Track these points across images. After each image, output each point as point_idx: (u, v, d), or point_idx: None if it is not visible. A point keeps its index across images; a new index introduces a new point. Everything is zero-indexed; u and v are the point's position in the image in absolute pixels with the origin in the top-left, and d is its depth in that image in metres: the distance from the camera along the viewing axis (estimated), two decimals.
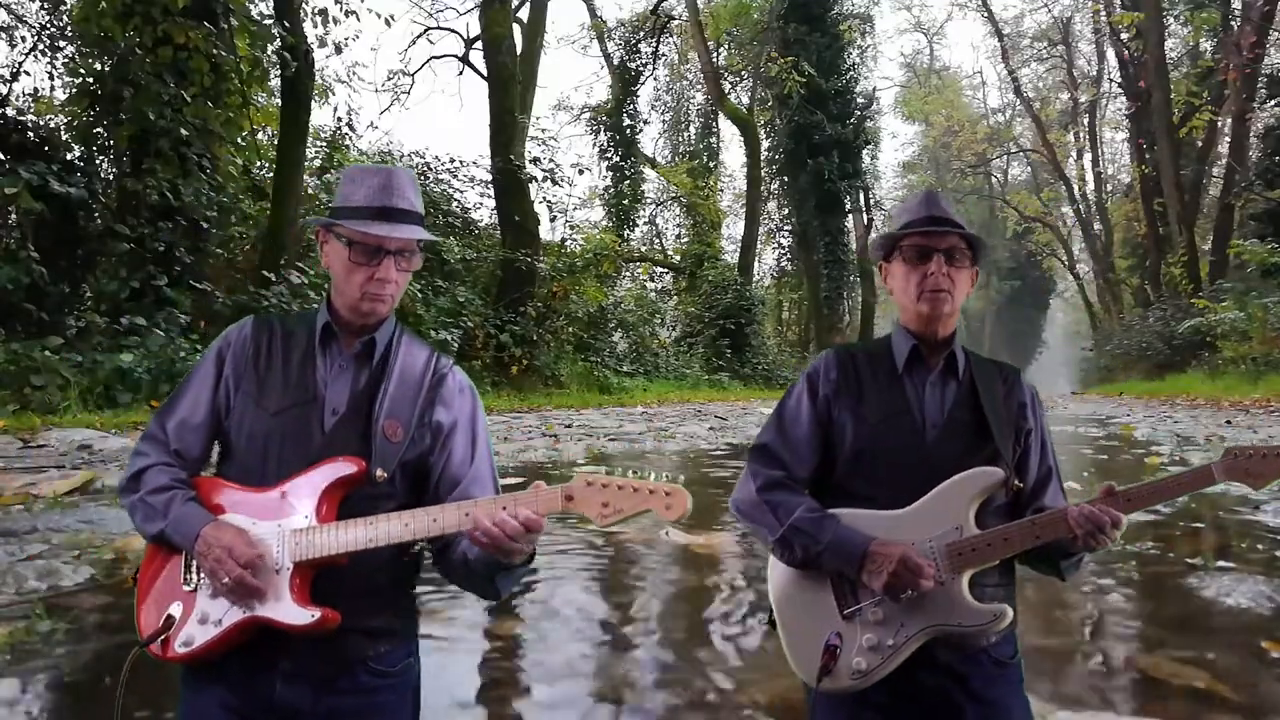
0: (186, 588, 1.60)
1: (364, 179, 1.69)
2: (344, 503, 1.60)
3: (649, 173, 40.39)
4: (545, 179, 25.27)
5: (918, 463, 1.75)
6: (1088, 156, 49.38)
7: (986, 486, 1.71)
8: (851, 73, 38.50)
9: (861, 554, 1.69)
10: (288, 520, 1.57)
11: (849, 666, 1.70)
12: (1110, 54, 42.61)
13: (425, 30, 31.47)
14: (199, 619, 1.57)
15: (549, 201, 26.10)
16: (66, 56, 14.30)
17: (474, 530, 1.52)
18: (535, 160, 24.66)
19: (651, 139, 44.31)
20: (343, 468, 1.59)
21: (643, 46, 38.59)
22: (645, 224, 40.83)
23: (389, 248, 1.65)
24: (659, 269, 38.15)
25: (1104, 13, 39.16)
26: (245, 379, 1.67)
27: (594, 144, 37.86)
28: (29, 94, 14.67)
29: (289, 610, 1.55)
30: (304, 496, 1.58)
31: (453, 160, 25.49)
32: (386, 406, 1.65)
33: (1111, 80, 44.47)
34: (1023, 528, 1.69)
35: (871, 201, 43.04)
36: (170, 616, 1.58)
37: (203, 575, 1.58)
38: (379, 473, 1.61)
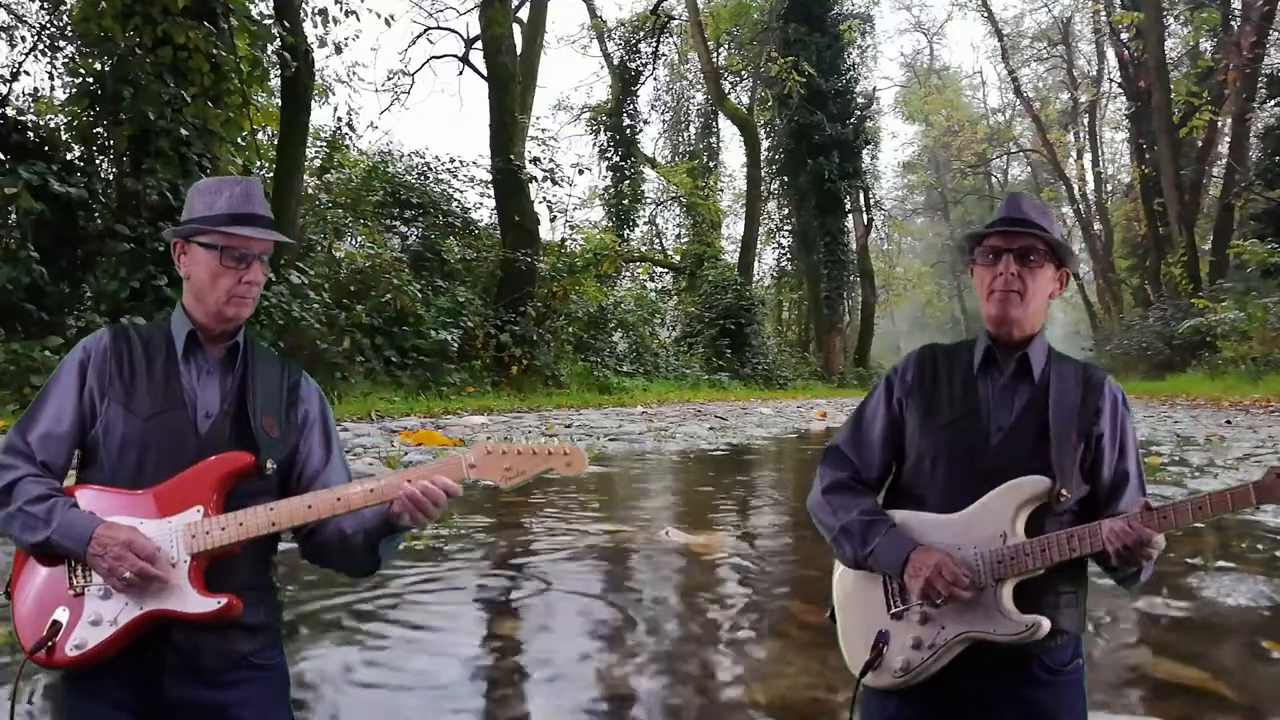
0: (72, 592, 1.62)
1: (223, 189, 1.77)
2: (227, 499, 1.67)
3: (649, 173, 40.41)
4: (545, 179, 25.28)
5: (981, 467, 1.75)
6: (1088, 156, 49.38)
7: (1033, 495, 1.70)
8: (851, 73, 38.51)
9: (904, 560, 1.72)
10: (178, 516, 1.63)
11: (893, 664, 1.73)
12: (1110, 54, 42.61)
13: (425, 30, 31.43)
14: (90, 620, 1.59)
15: (549, 201, 26.11)
16: (66, 56, 14.29)
17: (400, 497, 1.62)
18: (535, 160, 24.66)
19: (651, 139, 44.33)
20: (235, 460, 1.66)
21: (643, 46, 38.60)
22: (645, 224, 40.85)
23: (256, 250, 1.73)
24: (659, 269, 38.14)
25: (1104, 13, 39.17)
26: (111, 387, 1.71)
27: (594, 144, 37.90)
28: (29, 94, 14.66)
29: (192, 600, 1.60)
30: (192, 492, 1.64)
31: (453, 160, 25.50)
32: (259, 405, 1.74)
33: (1111, 80, 44.47)
34: (1059, 539, 1.68)
35: (871, 201, 43.06)
36: (56, 622, 1.59)
37: (91, 577, 1.61)
38: (269, 464, 1.70)
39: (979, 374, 1.84)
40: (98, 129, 13.43)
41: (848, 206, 39.72)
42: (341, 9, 15.98)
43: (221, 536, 1.62)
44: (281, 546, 1.84)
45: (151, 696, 1.64)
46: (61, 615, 1.60)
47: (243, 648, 1.69)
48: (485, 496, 6.86)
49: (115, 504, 1.65)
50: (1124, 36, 36.37)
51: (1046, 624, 1.67)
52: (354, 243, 19.89)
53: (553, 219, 29.24)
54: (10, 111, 13.34)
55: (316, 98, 18.93)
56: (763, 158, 38.07)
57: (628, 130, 37.90)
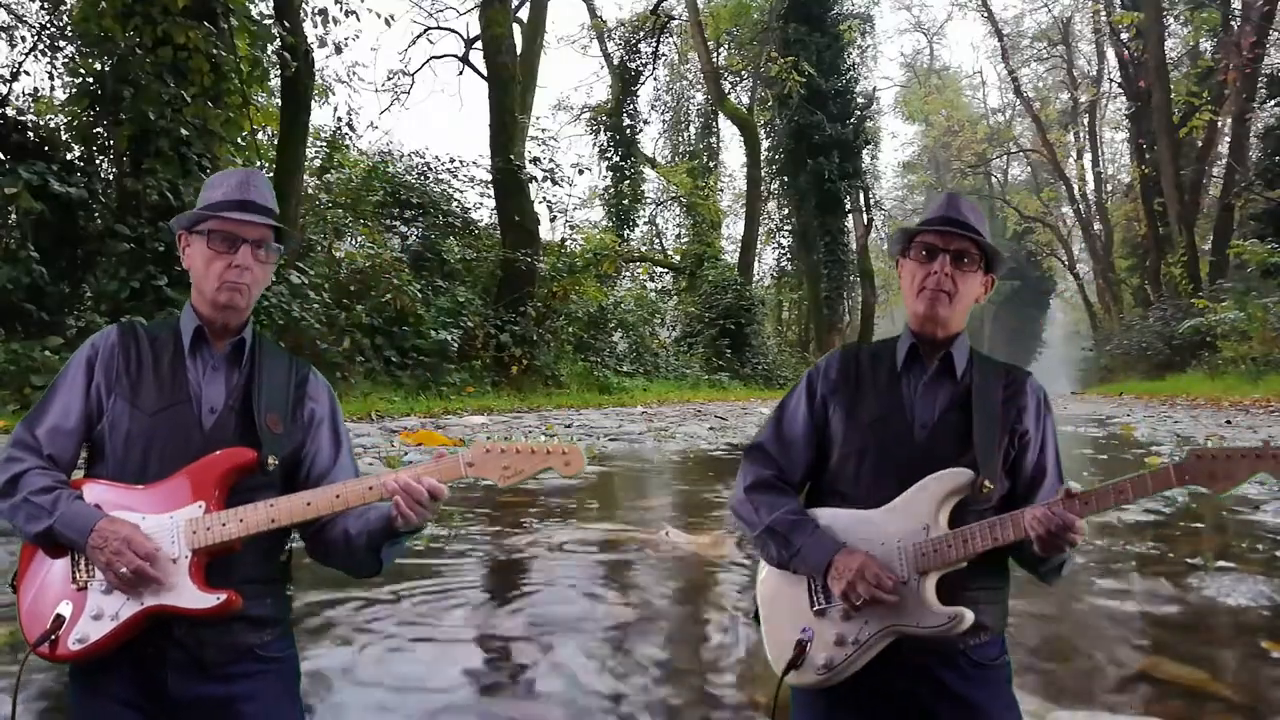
0: (75, 586, 1.62)
1: (223, 180, 1.80)
2: (230, 494, 1.67)
3: (649, 173, 40.42)
4: (545, 179, 25.30)
5: (905, 463, 1.75)
6: (1088, 156, 49.43)
7: (955, 487, 1.71)
8: (851, 73, 38.51)
9: (828, 562, 1.72)
10: (179, 511, 1.63)
11: (816, 661, 1.73)
12: (1110, 54, 42.65)
13: (425, 30, 31.49)
14: (93, 615, 1.60)
15: (549, 201, 26.12)
16: (66, 56, 14.28)
17: (389, 495, 1.62)
18: (535, 160, 24.67)
19: (651, 139, 44.36)
20: (237, 456, 1.66)
21: (643, 46, 38.61)
22: (645, 224, 40.88)
23: (246, 235, 1.73)
24: (659, 269, 38.14)
25: (1104, 13, 39.18)
26: (118, 384, 1.72)
27: (594, 144, 37.93)
28: (29, 94, 14.66)
29: (192, 596, 1.60)
30: (194, 488, 1.64)
31: (453, 160, 25.52)
32: (265, 401, 1.73)
33: (1111, 80, 44.51)
34: (981, 529, 1.68)
35: (871, 201, 43.05)
36: (59, 616, 1.60)
37: (94, 572, 1.61)
38: (270, 460, 1.69)
39: (902, 372, 1.84)
40: (98, 129, 13.43)
41: (848, 206, 39.72)
42: (341, 9, 16.00)
43: (222, 532, 1.62)
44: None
45: (155, 692, 1.64)
46: (65, 609, 1.61)
47: (247, 640, 1.69)
48: (485, 497, 6.86)
49: (119, 498, 1.65)
50: (1124, 36, 36.38)
51: (969, 615, 1.66)
52: (354, 243, 19.90)
53: (553, 219, 29.28)
54: (10, 111, 13.34)
55: (316, 98, 18.94)
56: (763, 158, 38.06)
57: (628, 130, 37.91)
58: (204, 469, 1.64)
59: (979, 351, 1.88)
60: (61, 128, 13.94)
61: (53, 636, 1.59)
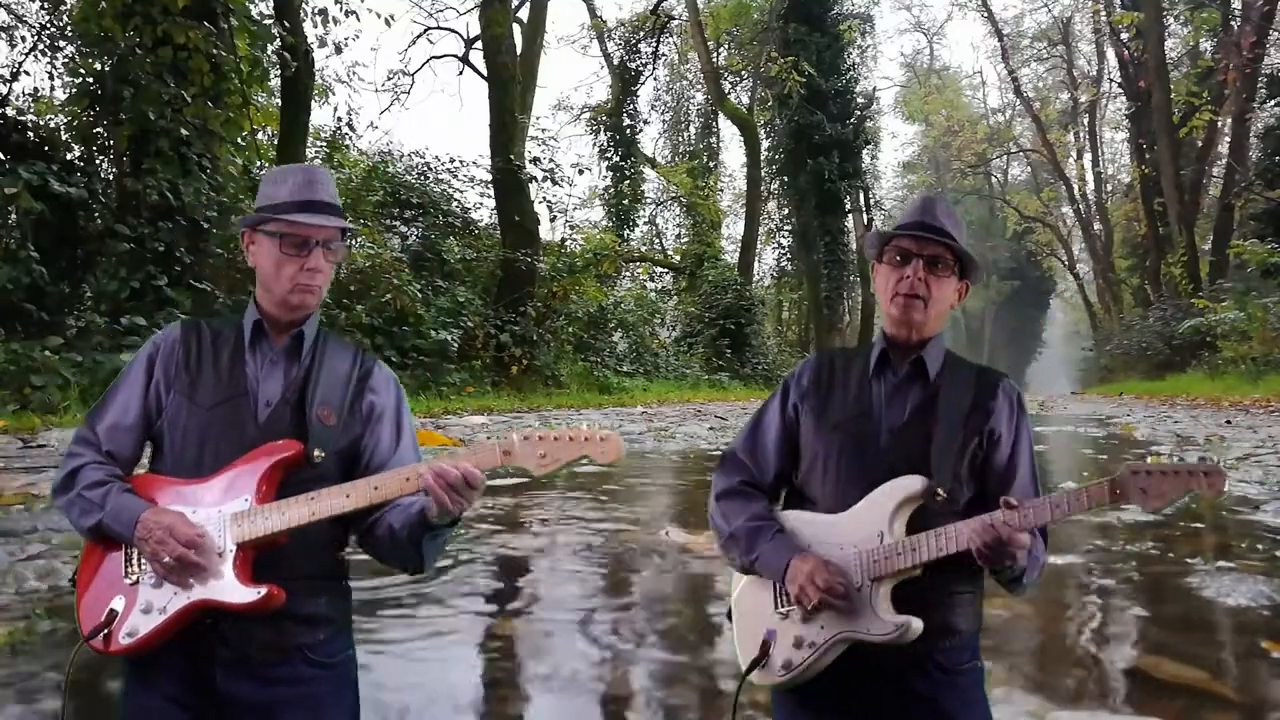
0: (128, 580, 1.63)
1: (287, 177, 1.77)
2: (281, 487, 1.65)
3: (649, 173, 40.41)
4: (545, 179, 25.28)
5: (871, 466, 1.75)
6: (1088, 156, 49.42)
7: (909, 495, 1.70)
8: (851, 73, 38.50)
9: (784, 566, 1.74)
10: (227, 505, 1.62)
11: (778, 661, 1.75)
12: (1110, 54, 42.64)
13: (425, 30, 31.48)
14: (143, 609, 1.61)
15: (549, 201, 26.11)
16: (66, 56, 14.29)
17: (421, 483, 1.57)
18: (535, 160, 24.66)
19: (651, 139, 44.32)
20: (282, 450, 1.65)
21: (643, 46, 38.60)
22: (645, 224, 40.85)
23: (317, 238, 1.72)
24: (659, 269, 38.14)
25: (1104, 13, 39.17)
26: (177, 379, 1.73)
27: (594, 144, 37.90)
28: (29, 94, 14.66)
29: (233, 590, 1.58)
30: (243, 481, 1.63)
31: (453, 160, 25.50)
32: (319, 394, 1.72)
33: (1111, 80, 44.50)
34: (928, 538, 1.66)
35: (871, 201, 43.03)
36: (112, 610, 1.61)
37: (145, 566, 1.62)
38: (316, 453, 1.67)
39: (873, 375, 1.84)
40: (98, 129, 13.43)
41: (848, 206, 39.71)
42: (341, 9, 16.01)
43: (265, 526, 1.60)
44: None
45: (202, 690, 1.63)
46: (118, 604, 1.62)
47: (297, 639, 1.66)
48: (484, 497, 6.85)
49: (171, 492, 1.66)
50: (1124, 36, 36.38)
51: (918, 625, 1.65)
52: (354, 243, 19.90)
53: (553, 219, 29.25)
54: (10, 111, 13.34)
55: (316, 98, 18.96)
56: (763, 158, 38.06)
57: (628, 130, 37.90)
58: (252, 462, 1.64)
59: (955, 355, 1.87)
60: (61, 128, 13.94)
61: (105, 630, 1.60)
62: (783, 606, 1.77)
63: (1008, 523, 1.59)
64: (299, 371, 1.75)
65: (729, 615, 1.91)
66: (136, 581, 1.62)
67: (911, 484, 1.71)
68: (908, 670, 1.71)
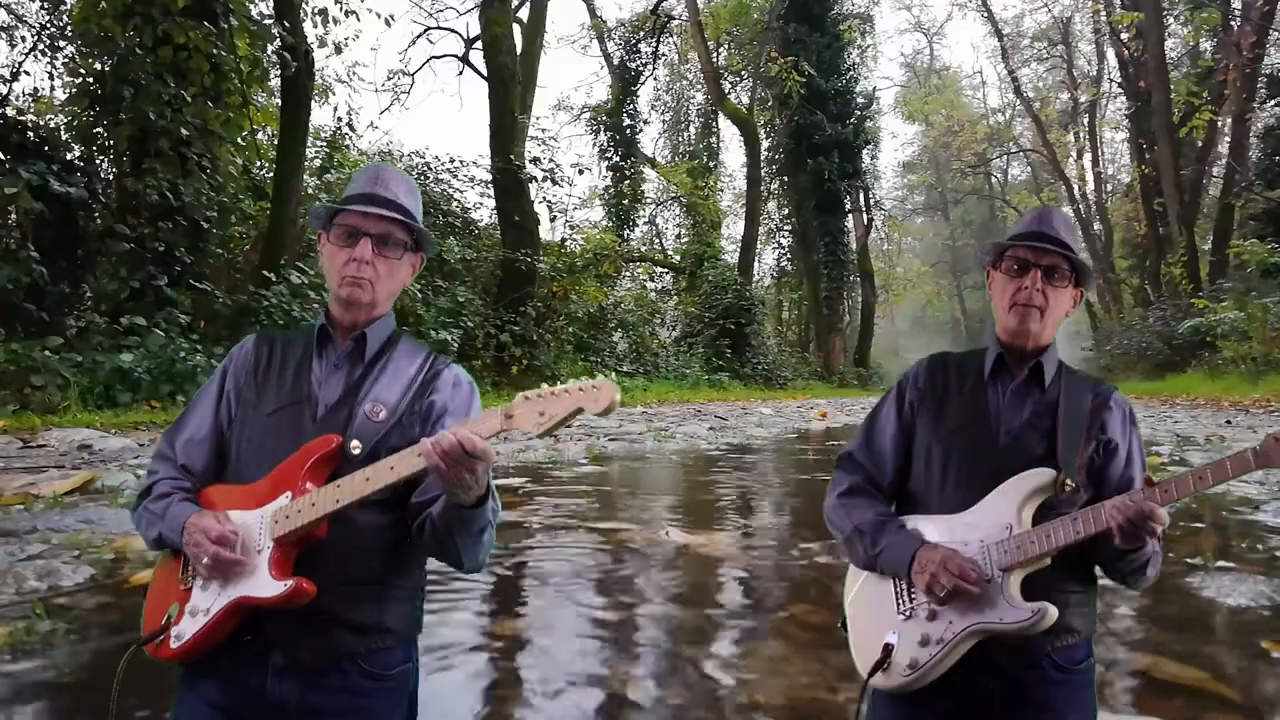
0: (183, 587, 1.64)
1: (361, 175, 1.79)
2: (326, 484, 1.61)
3: (649, 173, 40.46)
4: (545, 179, 25.33)
5: (989, 468, 1.77)
6: (1088, 156, 49.44)
7: (1038, 486, 1.72)
8: (851, 73, 38.55)
9: (910, 556, 1.74)
10: (271, 504, 1.61)
11: (902, 663, 1.73)
12: (1110, 54, 42.65)
13: (425, 30, 31.57)
14: (191, 613, 1.61)
15: (549, 201, 26.17)
16: (66, 56, 14.31)
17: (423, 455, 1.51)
18: (535, 160, 24.69)
19: (651, 139, 44.42)
20: (322, 443, 1.63)
21: (643, 46, 38.63)
22: (645, 224, 40.92)
23: (368, 229, 1.70)
24: (659, 269, 38.16)
25: (1104, 13, 39.17)
26: (245, 390, 1.74)
27: (594, 144, 37.98)
28: (29, 94, 14.71)
29: (266, 584, 1.56)
30: (287, 479, 1.62)
31: (453, 160, 25.57)
32: (373, 392, 1.70)
33: (1111, 80, 44.52)
34: (1063, 522, 1.68)
35: (871, 201, 43.08)
36: (169, 617, 1.63)
37: (193, 570, 1.62)
38: (354, 445, 1.64)
39: (989, 380, 1.87)
40: (98, 129, 13.45)
41: (848, 206, 39.75)
42: (341, 9, 16.02)
43: (298, 518, 1.58)
44: None
45: (250, 696, 1.60)
46: (174, 610, 1.63)
47: (348, 647, 1.60)
48: None
49: (229, 498, 1.67)
50: (1124, 36, 36.36)
51: (1053, 611, 1.66)
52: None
53: (553, 219, 29.30)
54: (10, 111, 13.35)
55: (316, 98, 18.95)
56: (763, 158, 38.09)
57: (628, 130, 37.93)
58: (294, 459, 1.63)
59: (1066, 364, 1.90)
60: (61, 128, 13.96)
61: (160, 636, 1.61)
62: (905, 606, 1.76)
63: (1149, 499, 1.61)
64: (360, 372, 1.74)
65: (842, 625, 1.90)
66: (189, 587, 1.63)
67: (1042, 475, 1.72)
68: (1023, 667, 1.72)
